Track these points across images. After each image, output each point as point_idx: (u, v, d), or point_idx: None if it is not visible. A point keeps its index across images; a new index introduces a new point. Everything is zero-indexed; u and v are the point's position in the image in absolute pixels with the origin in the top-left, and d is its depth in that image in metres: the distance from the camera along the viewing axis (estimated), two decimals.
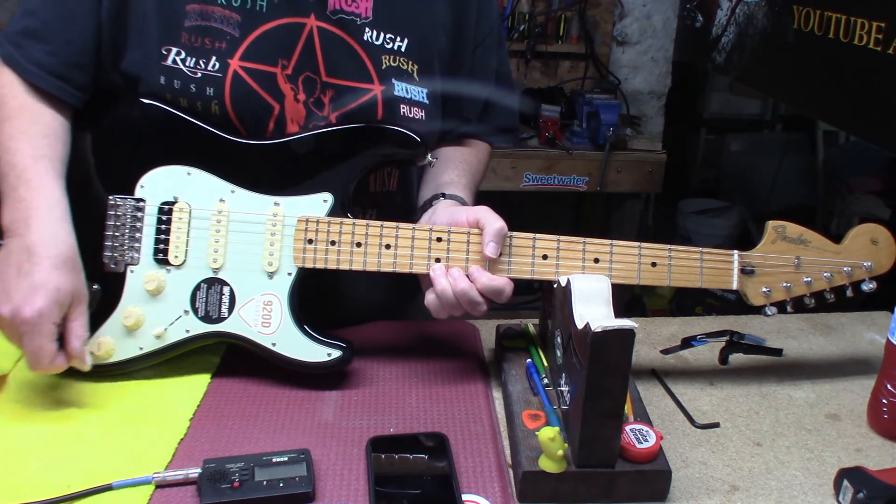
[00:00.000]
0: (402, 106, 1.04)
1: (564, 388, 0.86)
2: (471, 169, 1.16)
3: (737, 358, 1.11)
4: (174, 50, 0.95)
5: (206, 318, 0.94)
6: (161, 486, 0.79)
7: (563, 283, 0.90)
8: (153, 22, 0.96)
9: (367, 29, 1.02)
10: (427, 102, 1.07)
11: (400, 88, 1.04)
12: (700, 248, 0.94)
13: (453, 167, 1.13)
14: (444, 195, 1.05)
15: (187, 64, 0.95)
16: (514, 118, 1.27)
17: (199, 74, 0.96)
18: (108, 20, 0.97)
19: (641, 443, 0.81)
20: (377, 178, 1.09)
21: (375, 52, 1.03)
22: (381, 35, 1.03)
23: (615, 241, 0.93)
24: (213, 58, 0.96)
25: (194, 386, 0.96)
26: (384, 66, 1.03)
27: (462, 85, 1.15)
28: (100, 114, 1.00)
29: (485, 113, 1.21)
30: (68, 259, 0.87)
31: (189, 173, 0.95)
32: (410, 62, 1.05)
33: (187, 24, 0.95)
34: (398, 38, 1.04)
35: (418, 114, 1.06)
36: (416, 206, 1.12)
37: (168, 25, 0.95)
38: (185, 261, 0.94)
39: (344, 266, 0.94)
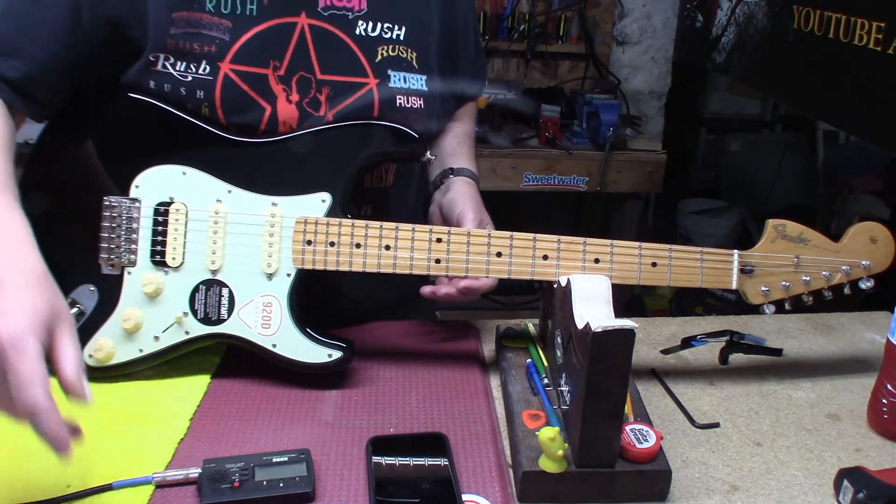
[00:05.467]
0: (398, 97, 1.04)
1: (564, 388, 0.86)
2: (467, 132, 1.24)
3: (737, 358, 1.11)
4: (162, 56, 0.95)
5: (206, 320, 0.94)
6: (161, 486, 0.79)
7: (564, 283, 0.90)
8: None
9: (360, 22, 1.02)
10: (426, 90, 1.07)
11: (397, 79, 1.04)
12: (700, 248, 0.94)
13: (452, 136, 1.20)
14: (452, 170, 1.08)
15: (177, 68, 0.96)
16: (484, 66, 1.32)
17: (190, 78, 0.96)
18: (104, 41, 0.96)
19: (641, 443, 0.81)
20: (374, 174, 1.09)
21: (370, 44, 1.03)
22: (378, 25, 1.03)
23: (615, 242, 0.93)
24: (204, 61, 0.96)
25: (194, 386, 0.96)
26: (379, 58, 1.03)
27: (458, 67, 1.18)
28: (92, 113, 0.99)
29: (474, 74, 1.26)
30: (40, 279, 0.75)
31: (185, 173, 0.94)
32: (409, 50, 1.06)
33: (173, 31, 0.95)
34: (396, 27, 1.04)
35: (416, 103, 1.06)
36: (413, 201, 1.13)
37: (155, 34, 0.95)
38: (182, 262, 0.94)
39: (343, 267, 0.93)
